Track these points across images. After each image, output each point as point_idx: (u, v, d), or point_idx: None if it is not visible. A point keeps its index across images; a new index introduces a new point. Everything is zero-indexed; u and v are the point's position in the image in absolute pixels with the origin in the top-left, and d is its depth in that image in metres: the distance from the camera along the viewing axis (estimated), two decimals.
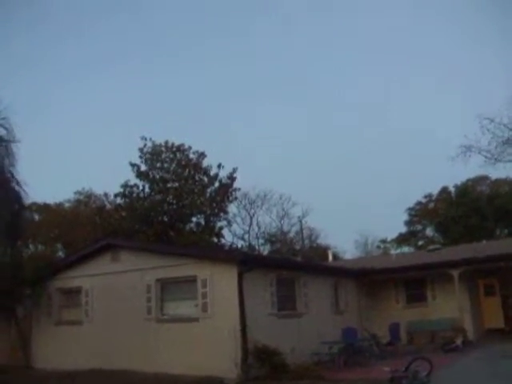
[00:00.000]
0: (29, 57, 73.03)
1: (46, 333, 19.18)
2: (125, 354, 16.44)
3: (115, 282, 17.47)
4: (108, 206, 38.93)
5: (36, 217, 49.30)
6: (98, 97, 79.78)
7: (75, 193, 46.28)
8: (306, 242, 52.81)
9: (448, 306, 21.02)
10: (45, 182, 44.52)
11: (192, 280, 15.54)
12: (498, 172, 53.08)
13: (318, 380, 12.69)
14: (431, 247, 30.76)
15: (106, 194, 37.61)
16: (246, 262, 14.98)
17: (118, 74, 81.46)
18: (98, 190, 42.72)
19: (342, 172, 76.40)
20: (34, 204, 48.34)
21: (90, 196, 45.50)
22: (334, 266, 25.55)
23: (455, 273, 20.23)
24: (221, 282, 14.92)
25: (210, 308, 15.04)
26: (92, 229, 35.42)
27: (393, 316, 21.87)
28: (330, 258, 33.05)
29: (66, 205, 47.37)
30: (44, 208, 48.11)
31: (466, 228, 44.82)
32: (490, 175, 47.28)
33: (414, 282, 23.08)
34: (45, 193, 58.74)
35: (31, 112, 73.96)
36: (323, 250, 39.72)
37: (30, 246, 49.72)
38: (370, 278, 22.71)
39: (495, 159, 28.87)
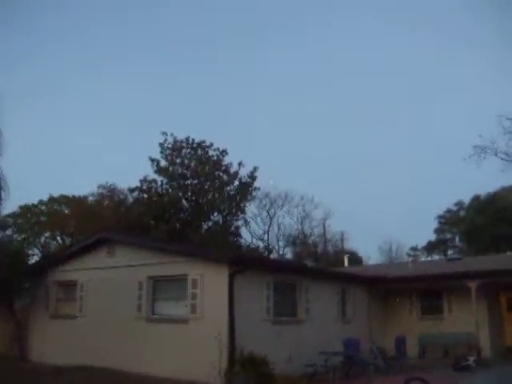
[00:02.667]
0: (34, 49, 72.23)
1: (42, 325, 18.91)
2: (114, 352, 15.84)
3: (109, 278, 16.88)
4: (130, 201, 38.65)
5: (64, 209, 49.68)
6: (121, 92, 79.47)
7: (99, 186, 46.18)
8: (329, 245, 51.59)
9: (465, 320, 19.71)
10: (73, 176, 44.27)
11: (183, 279, 14.75)
12: None
13: None
14: (451, 256, 29.48)
15: (129, 189, 37.19)
16: (238, 262, 14.09)
17: (141, 69, 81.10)
18: (122, 185, 42.46)
19: (373, 176, 74.65)
20: (63, 196, 48.79)
21: (113, 190, 45.26)
22: (341, 271, 24.41)
23: (472, 285, 18.93)
24: (211, 283, 14.08)
25: (198, 310, 14.20)
26: (113, 223, 35.10)
27: (405, 328, 20.64)
28: (346, 263, 31.88)
29: (90, 198, 47.31)
30: (71, 201, 48.21)
31: (492, 238, 43.17)
32: None
33: (429, 292, 21.81)
34: (73, 186, 59.27)
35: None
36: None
37: (58, 238, 50.10)
38: (381, 287, 21.55)
39: None
